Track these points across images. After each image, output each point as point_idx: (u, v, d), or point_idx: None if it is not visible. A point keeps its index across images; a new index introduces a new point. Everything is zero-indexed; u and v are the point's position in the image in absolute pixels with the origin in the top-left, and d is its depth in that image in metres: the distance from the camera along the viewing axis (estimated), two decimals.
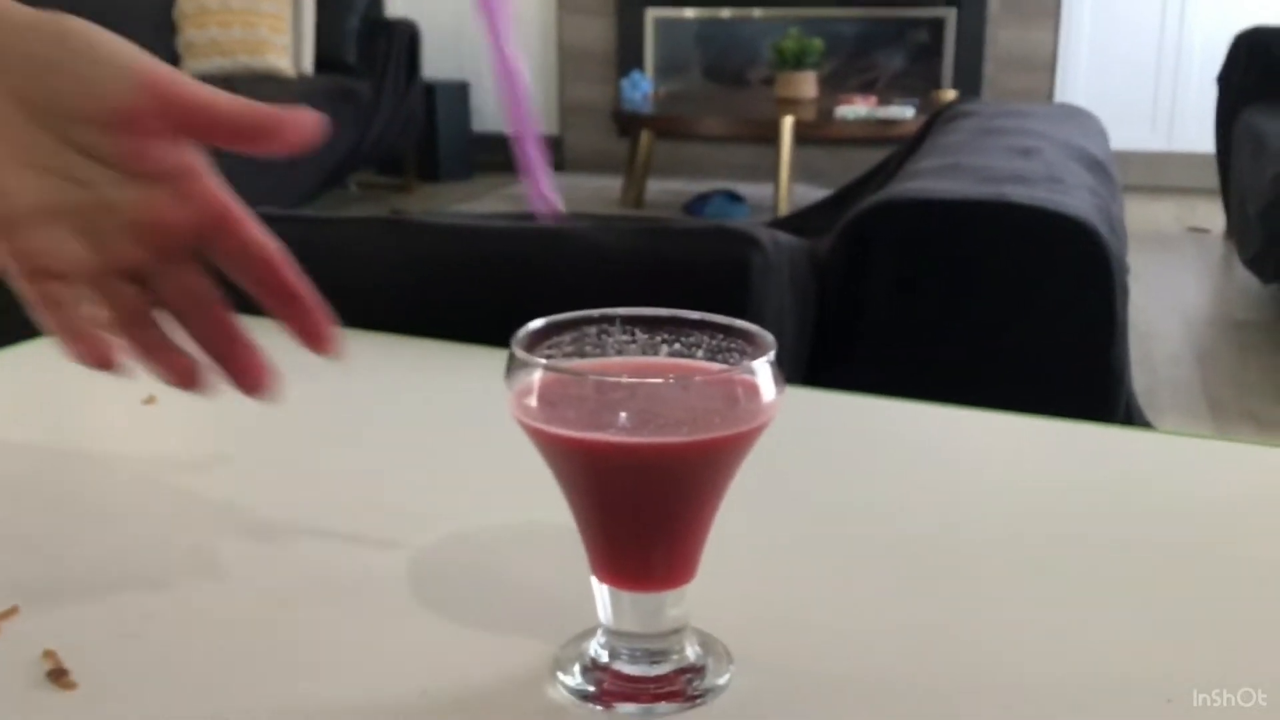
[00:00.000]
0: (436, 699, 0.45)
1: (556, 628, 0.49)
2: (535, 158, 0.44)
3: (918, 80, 5.35)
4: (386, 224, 1.03)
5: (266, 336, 0.55)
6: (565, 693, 0.45)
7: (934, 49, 5.42)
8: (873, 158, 2.43)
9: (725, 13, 5.71)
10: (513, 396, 0.43)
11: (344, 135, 4.85)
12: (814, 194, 4.07)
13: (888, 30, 5.57)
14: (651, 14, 5.66)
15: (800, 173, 4.61)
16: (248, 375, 0.52)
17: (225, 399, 0.54)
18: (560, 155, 5.86)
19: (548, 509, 0.49)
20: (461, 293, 1.02)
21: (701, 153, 5.48)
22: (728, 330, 0.46)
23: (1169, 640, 0.50)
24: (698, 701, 0.44)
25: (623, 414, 0.41)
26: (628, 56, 5.66)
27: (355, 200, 5.43)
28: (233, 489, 0.66)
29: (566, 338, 0.46)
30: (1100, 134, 1.82)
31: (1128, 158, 5.06)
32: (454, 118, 5.70)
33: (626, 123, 4.75)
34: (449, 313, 0.99)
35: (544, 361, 0.44)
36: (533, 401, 0.43)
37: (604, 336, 0.47)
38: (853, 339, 1.19)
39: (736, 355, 0.46)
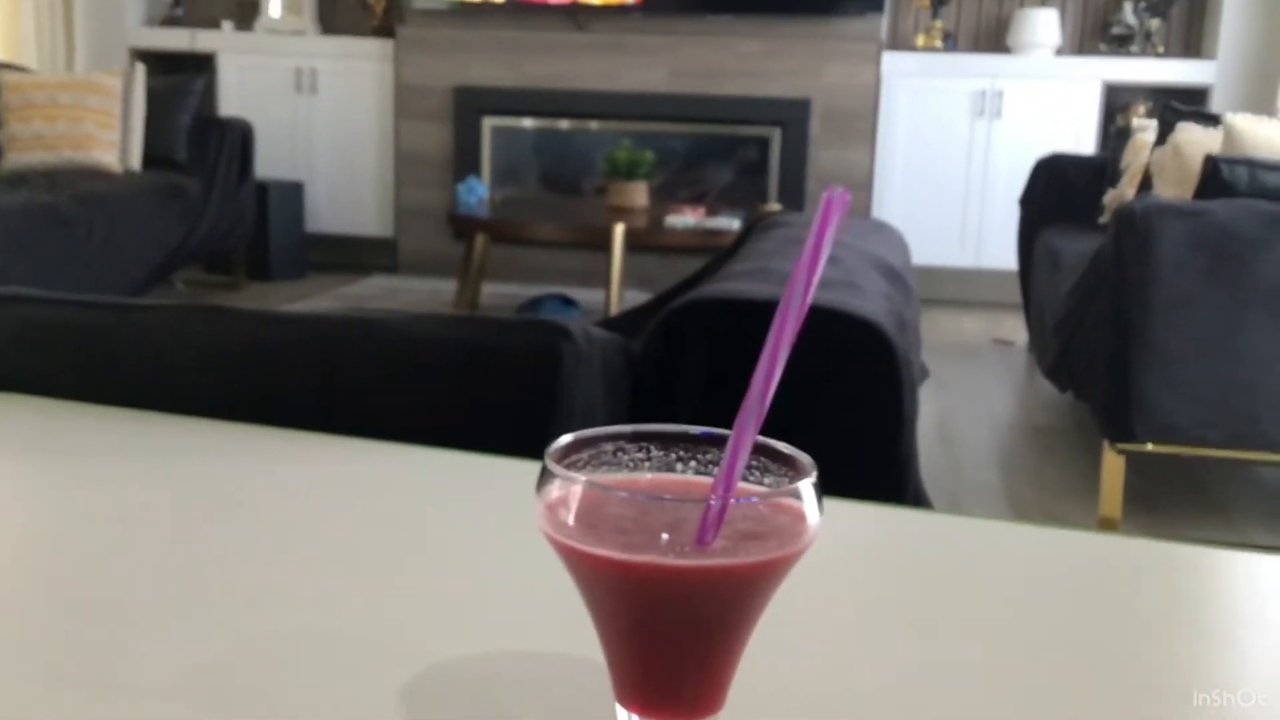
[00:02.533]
0: None
1: None
2: (738, 469, 0.42)
3: (745, 194, 5.57)
4: (205, 311, 1.04)
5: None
6: None
7: (760, 165, 5.66)
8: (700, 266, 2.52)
9: (562, 124, 5.86)
10: (544, 511, 0.43)
11: (170, 231, 4.77)
12: (645, 299, 4.17)
13: (717, 146, 5.80)
14: (489, 123, 5.77)
15: (632, 279, 4.73)
16: None
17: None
18: (395, 257, 5.87)
19: (525, 629, 0.49)
20: (279, 379, 1.03)
21: (536, 258, 5.56)
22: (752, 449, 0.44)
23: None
24: None
25: (665, 534, 0.41)
26: (465, 163, 5.74)
27: (181, 298, 5.32)
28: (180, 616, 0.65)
29: (584, 454, 0.46)
30: (901, 246, 1.94)
31: (939, 274, 5.35)
32: (287, 217, 5.67)
33: (462, 226, 4.80)
34: (267, 399, 1.01)
35: (586, 478, 0.43)
36: (570, 519, 0.42)
37: (619, 454, 0.47)
38: None
39: (757, 473, 0.45)
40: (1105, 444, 2.72)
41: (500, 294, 5.18)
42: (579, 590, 0.44)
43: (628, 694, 0.45)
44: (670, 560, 0.41)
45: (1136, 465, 2.77)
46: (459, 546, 0.71)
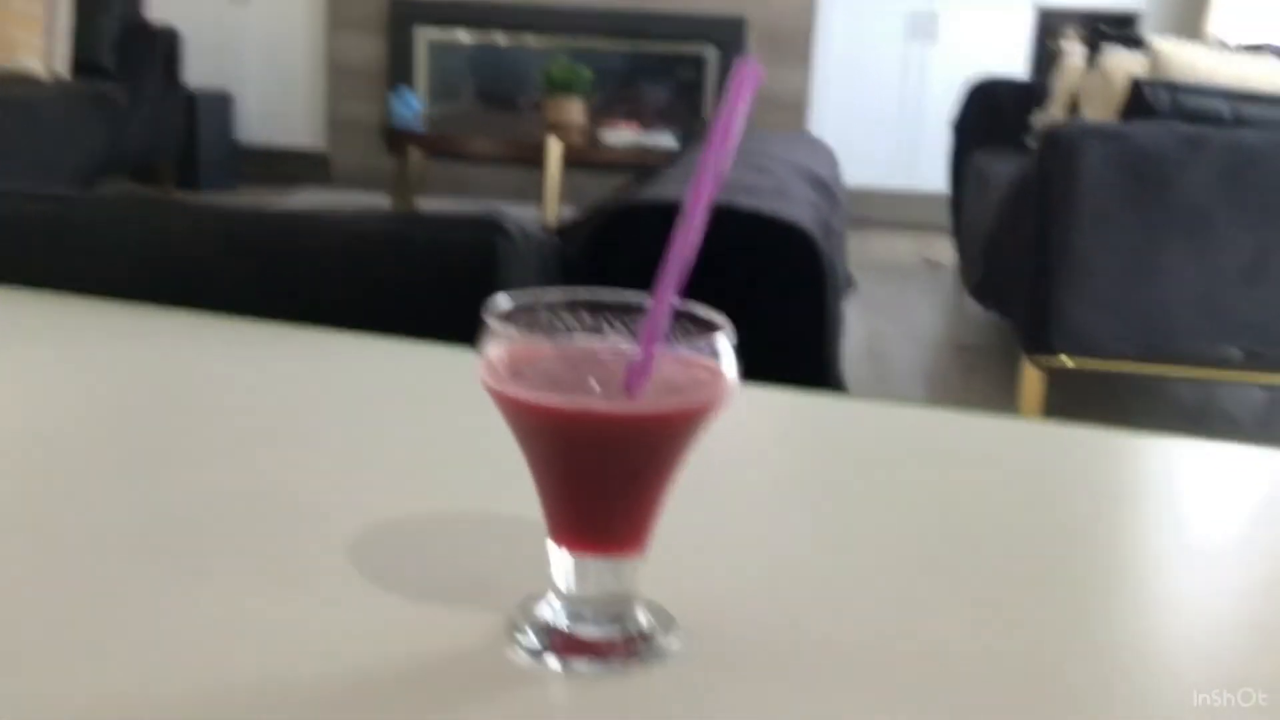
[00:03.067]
0: (398, 669, 0.46)
1: (503, 596, 0.50)
2: (660, 326, 0.45)
3: (681, 112, 5.57)
4: (148, 203, 1.06)
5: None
6: (523, 654, 0.47)
7: (696, 84, 5.66)
8: None
9: (499, 37, 5.80)
10: (484, 366, 0.46)
11: (97, 140, 4.68)
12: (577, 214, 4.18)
13: (654, 64, 5.78)
14: (424, 35, 5.69)
15: (568, 195, 4.73)
16: None
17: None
18: (328, 171, 5.81)
19: (462, 490, 0.52)
20: (220, 272, 1.05)
21: (471, 173, 5.53)
22: (676, 315, 0.48)
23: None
24: (648, 662, 0.47)
25: (596, 385, 0.45)
26: (399, 75, 5.67)
27: None
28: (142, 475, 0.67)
29: (521, 319, 0.49)
30: (830, 160, 1.98)
31: (872, 195, 5.41)
32: (216, 128, 5.57)
33: (395, 140, 4.76)
34: (207, 291, 1.03)
35: (521, 333, 0.46)
36: (507, 372, 0.45)
37: (553, 320, 0.50)
38: None
39: (680, 337, 0.48)
40: (1025, 359, 2.81)
41: (435, 209, 5.16)
42: (516, 438, 0.48)
43: (561, 532, 0.49)
44: (601, 407, 0.45)
45: (1056, 382, 2.87)
46: (399, 421, 0.74)
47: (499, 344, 0.47)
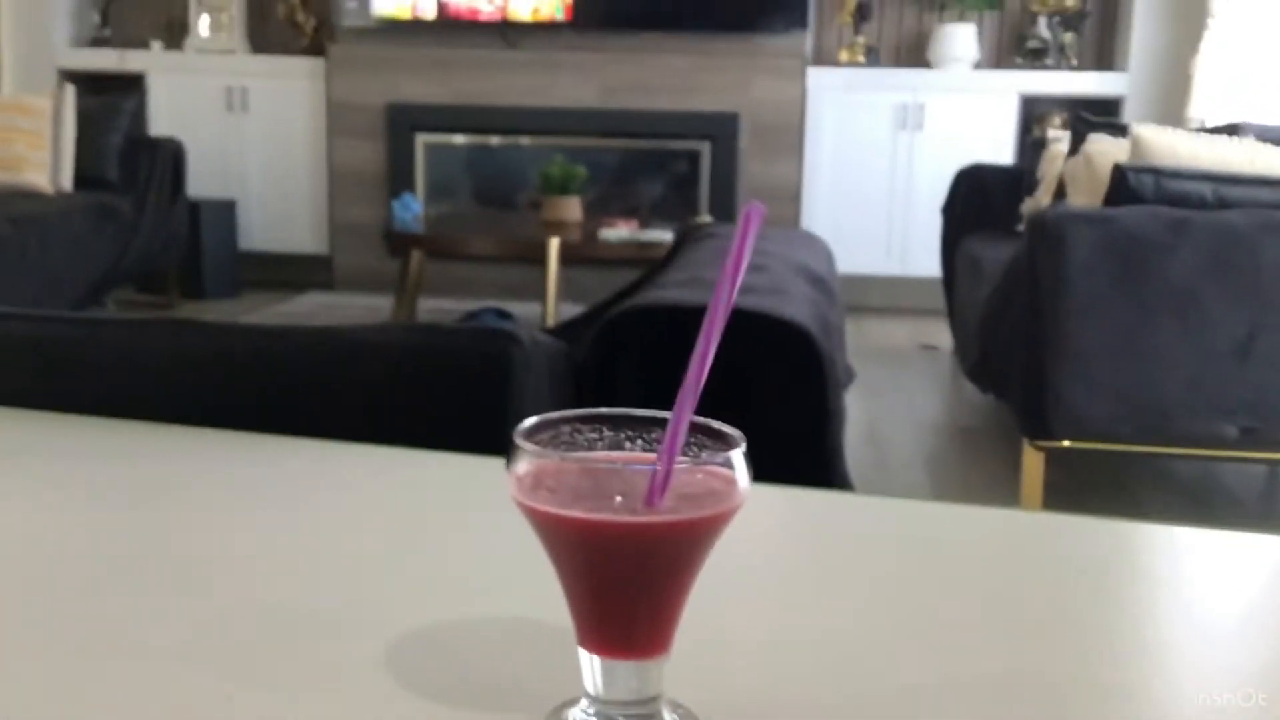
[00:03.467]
0: None
1: (538, 702, 0.53)
2: (678, 442, 0.49)
3: (676, 206, 5.68)
4: (166, 324, 1.10)
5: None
6: None
7: (691, 178, 5.77)
8: (634, 277, 2.60)
9: (493, 139, 5.92)
10: (513, 481, 0.50)
11: (103, 252, 4.76)
12: (580, 312, 4.24)
13: (648, 160, 5.90)
14: (422, 139, 5.81)
15: (567, 292, 4.80)
16: None
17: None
18: (330, 275, 5.89)
19: (489, 597, 0.55)
20: (239, 388, 1.09)
21: (471, 273, 5.61)
22: (690, 428, 0.51)
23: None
24: None
25: (619, 497, 0.49)
26: (399, 179, 5.78)
27: None
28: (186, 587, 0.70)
29: (545, 435, 0.53)
30: (826, 255, 2.03)
31: (866, 282, 5.49)
32: (220, 235, 5.67)
33: (398, 242, 4.84)
34: (229, 406, 1.07)
35: (547, 451, 0.50)
36: (536, 486, 0.49)
37: (575, 434, 0.54)
38: None
39: (695, 449, 0.52)
40: (1025, 442, 2.84)
41: (436, 309, 5.23)
42: (545, 549, 0.51)
43: (589, 638, 0.52)
44: (624, 518, 0.49)
45: (1055, 461, 2.90)
46: (423, 531, 0.78)
47: (526, 461, 0.51)
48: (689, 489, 0.50)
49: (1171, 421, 2.74)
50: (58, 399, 1.02)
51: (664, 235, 4.62)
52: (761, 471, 0.52)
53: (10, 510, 0.81)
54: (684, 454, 0.51)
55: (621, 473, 0.51)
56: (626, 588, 0.51)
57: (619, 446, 0.54)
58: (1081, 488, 3.17)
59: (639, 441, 0.54)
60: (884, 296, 5.63)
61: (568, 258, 4.59)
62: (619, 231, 4.65)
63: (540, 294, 4.60)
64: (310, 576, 0.69)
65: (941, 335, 4.90)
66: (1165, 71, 5.44)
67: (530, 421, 0.53)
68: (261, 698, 0.55)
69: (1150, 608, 0.71)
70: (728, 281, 0.50)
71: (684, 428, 0.51)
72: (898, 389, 4.21)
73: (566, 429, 0.54)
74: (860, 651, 0.62)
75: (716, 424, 0.53)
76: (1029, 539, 0.81)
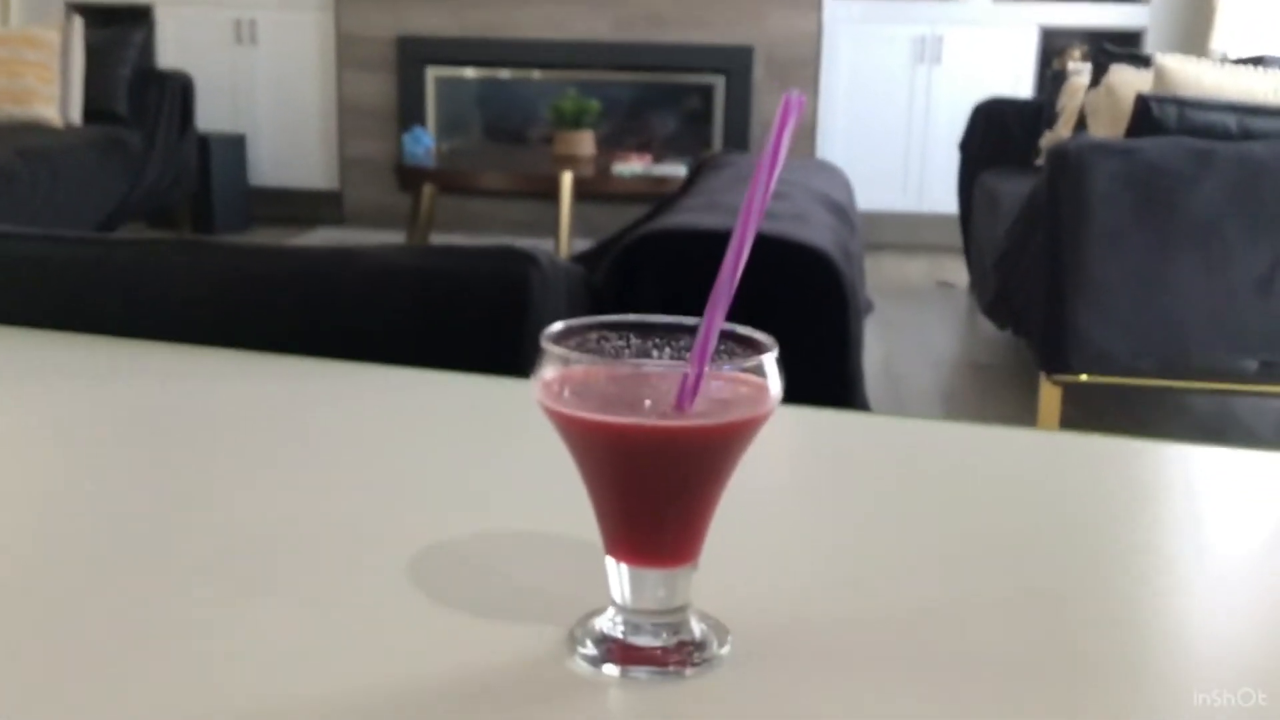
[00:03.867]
0: (463, 681, 0.48)
1: (565, 611, 0.53)
2: (710, 345, 0.47)
3: (690, 141, 5.62)
4: (182, 244, 1.09)
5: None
6: (583, 664, 0.49)
7: (705, 113, 5.71)
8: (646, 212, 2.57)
9: (505, 73, 5.86)
10: (541, 387, 0.48)
11: (113, 186, 4.74)
12: (593, 244, 4.22)
13: (662, 95, 5.83)
14: (432, 73, 5.75)
15: (580, 227, 4.76)
16: None
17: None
18: (340, 210, 5.86)
19: (514, 512, 0.54)
20: (261, 309, 1.08)
21: (483, 208, 5.58)
22: (721, 335, 0.50)
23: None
24: (702, 668, 0.50)
25: (648, 401, 0.47)
26: (409, 113, 5.73)
27: None
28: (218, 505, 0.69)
29: (572, 341, 0.51)
30: (845, 185, 2.01)
31: (883, 218, 5.44)
32: (230, 170, 5.64)
33: (409, 177, 4.81)
34: (248, 328, 1.05)
35: (579, 355, 0.49)
36: (565, 392, 0.48)
37: (602, 342, 0.52)
38: None
39: (725, 355, 0.50)
40: (1042, 376, 2.82)
41: (449, 244, 5.20)
42: (572, 457, 0.50)
43: (617, 546, 0.51)
44: (654, 422, 0.47)
45: (1073, 397, 2.88)
46: (445, 448, 0.77)
47: (554, 366, 0.49)
48: (719, 394, 0.49)
49: (1191, 355, 2.72)
50: (74, 319, 1.01)
51: (677, 170, 4.58)
52: (784, 397, 0.51)
53: (29, 430, 0.80)
54: (714, 359, 0.50)
55: (650, 377, 0.50)
56: (655, 495, 0.50)
57: (646, 354, 0.53)
58: (1097, 423, 3.15)
59: (666, 350, 0.53)
60: (900, 233, 5.58)
61: (580, 193, 4.56)
62: (632, 166, 4.61)
63: (553, 229, 4.57)
64: (333, 494, 0.68)
65: (958, 272, 4.86)
66: (1188, 3, 5.35)
67: (557, 326, 0.52)
68: (285, 610, 0.54)
69: (1167, 524, 0.70)
70: (765, 170, 0.48)
71: (715, 331, 0.49)
72: (914, 325, 4.18)
73: (594, 335, 0.53)
74: (881, 566, 0.61)
75: (746, 330, 0.52)
76: (1046, 459, 0.79)
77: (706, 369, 0.48)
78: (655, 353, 0.53)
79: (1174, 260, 2.65)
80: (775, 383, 0.50)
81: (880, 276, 4.84)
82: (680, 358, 0.52)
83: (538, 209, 5.20)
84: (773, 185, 0.49)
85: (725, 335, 0.51)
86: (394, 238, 5.29)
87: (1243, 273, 2.63)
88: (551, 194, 4.52)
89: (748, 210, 0.49)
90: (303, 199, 5.94)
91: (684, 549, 0.51)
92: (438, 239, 5.15)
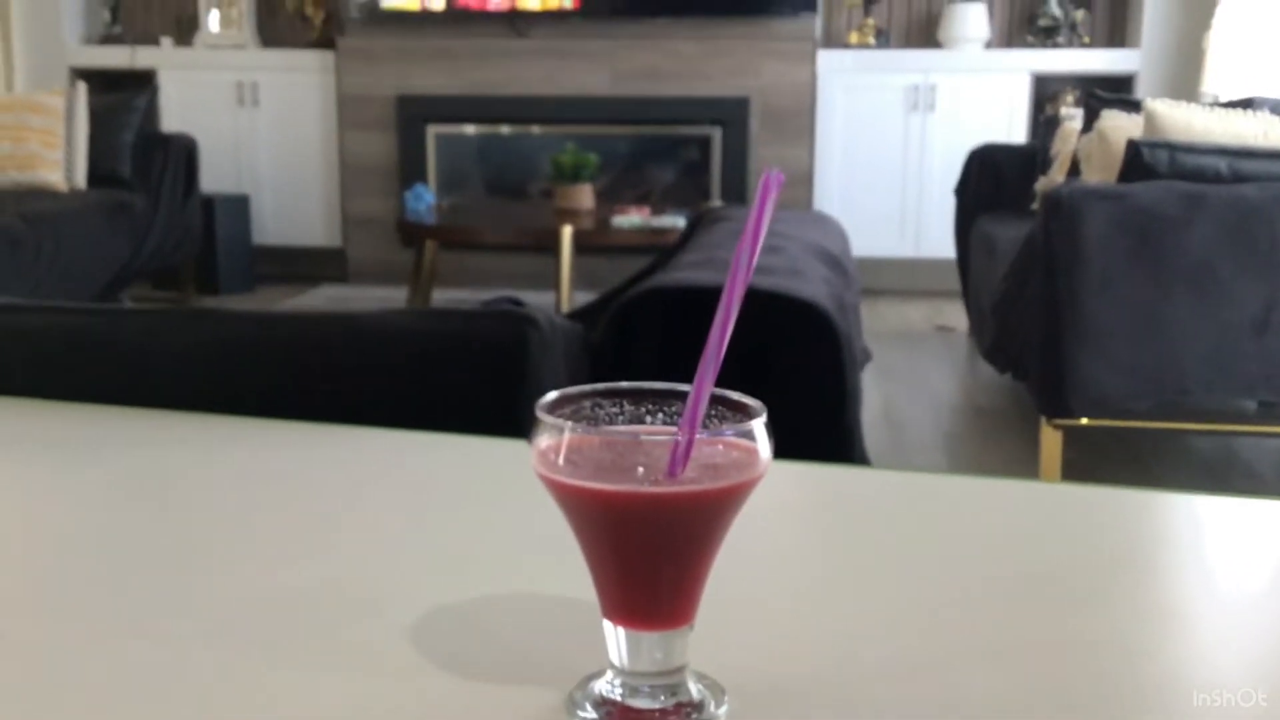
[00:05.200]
0: None
1: (563, 674, 0.54)
2: (700, 412, 0.49)
3: (688, 192, 5.67)
4: (185, 314, 1.11)
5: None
6: None
7: (702, 164, 5.76)
8: (646, 264, 2.60)
9: (504, 129, 5.92)
10: (537, 455, 0.50)
11: (118, 248, 4.78)
12: (594, 299, 4.24)
13: (659, 147, 5.89)
14: (433, 130, 5.81)
15: (581, 279, 4.79)
16: None
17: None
18: (344, 267, 5.90)
19: (513, 574, 0.55)
20: (256, 376, 1.10)
21: (485, 262, 5.61)
22: (711, 400, 0.51)
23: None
24: None
25: (641, 468, 0.49)
26: (410, 170, 5.78)
27: None
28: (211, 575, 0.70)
29: (566, 409, 0.53)
30: (840, 236, 2.03)
31: (880, 264, 5.47)
32: (234, 230, 5.68)
33: (411, 233, 4.85)
34: (247, 398, 1.07)
35: (573, 425, 0.50)
36: (560, 460, 0.49)
37: (596, 409, 0.54)
38: None
39: (716, 420, 0.52)
40: (1042, 420, 2.83)
41: (451, 300, 5.23)
42: (569, 522, 0.52)
43: (613, 609, 0.52)
44: (646, 489, 0.49)
45: (1073, 440, 2.89)
46: (446, 511, 0.78)
47: (549, 434, 0.51)
48: (711, 459, 0.51)
49: (1190, 397, 2.73)
50: (80, 389, 1.03)
51: (676, 221, 4.61)
52: (780, 451, 0.53)
53: (34, 498, 0.82)
54: (705, 425, 0.52)
55: (643, 444, 0.51)
56: (650, 559, 0.51)
57: (639, 420, 0.55)
58: (1100, 465, 3.16)
59: (659, 415, 0.55)
60: (898, 279, 5.61)
61: (580, 245, 4.59)
62: (631, 218, 4.65)
63: (553, 282, 4.60)
64: (334, 559, 0.70)
65: (957, 316, 4.88)
66: (1178, 47, 5.40)
67: (552, 396, 0.53)
68: (285, 674, 0.55)
69: (1173, 575, 0.71)
70: (748, 246, 0.50)
71: (705, 398, 0.51)
72: (914, 371, 4.20)
73: (588, 403, 0.54)
74: (884, 622, 0.62)
75: (737, 395, 0.53)
76: (1049, 510, 0.81)
77: (697, 435, 0.50)
78: (649, 418, 0.55)
79: (1170, 303, 2.66)
80: (765, 447, 0.51)
81: (879, 322, 4.86)
82: (673, 423, 0.54)
83: (539, 262, 5.24)
84: (755, 260, 0.51)
85: (716, 400, 0.53)
86: (397, 293, 5.32)
87: (1238, 314, 2.64)
88: (552, 247, 4.55)
89: (733, 281, 0.51)
90: (306, 257, 5.98)
91: (680, 611, 0.52)
92: (440, 294, 5.18)
